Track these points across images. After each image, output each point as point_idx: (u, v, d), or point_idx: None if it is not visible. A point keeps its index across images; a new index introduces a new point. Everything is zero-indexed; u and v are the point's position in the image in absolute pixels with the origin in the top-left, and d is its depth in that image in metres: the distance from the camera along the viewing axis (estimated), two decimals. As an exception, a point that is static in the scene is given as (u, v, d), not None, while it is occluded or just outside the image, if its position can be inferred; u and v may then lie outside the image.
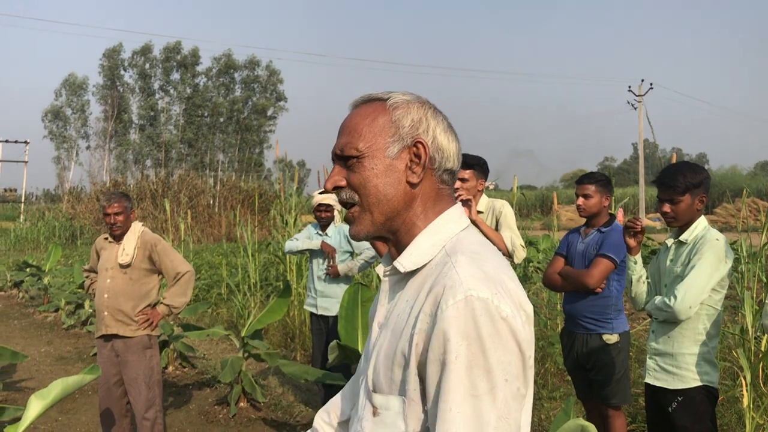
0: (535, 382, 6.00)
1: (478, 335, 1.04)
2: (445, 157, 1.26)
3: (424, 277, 1.18)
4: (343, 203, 1.30)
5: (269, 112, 56.03)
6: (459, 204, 1.30)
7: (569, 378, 5.49)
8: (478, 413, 1.03)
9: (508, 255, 3.99)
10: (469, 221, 1.29)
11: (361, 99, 1.31)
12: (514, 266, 5.59)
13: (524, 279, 7.24)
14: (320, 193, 5.46)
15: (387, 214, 1.25)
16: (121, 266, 4.36)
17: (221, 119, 55.32)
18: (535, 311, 6.88)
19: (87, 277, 4.87)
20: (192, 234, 14.83)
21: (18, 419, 4.86)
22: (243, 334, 5.73)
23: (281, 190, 9.42)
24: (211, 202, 28.75)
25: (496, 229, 4.10)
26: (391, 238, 1.29)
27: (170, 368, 7.11)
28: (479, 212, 4.16)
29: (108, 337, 4.42)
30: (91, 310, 9.35)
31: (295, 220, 9.20)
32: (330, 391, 5.22)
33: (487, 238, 3.92)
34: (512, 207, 4.57)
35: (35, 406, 3.26)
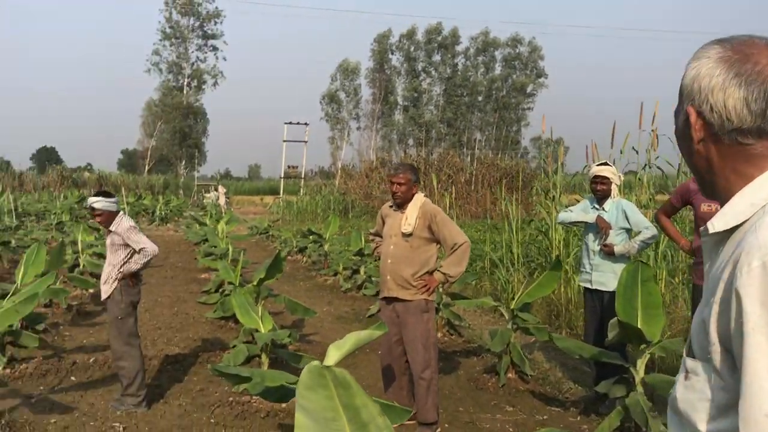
0: None
1: None
2: (732, 119, 1.14)
3: (737, 240, 1.10)
4: None
5: (528, 90, 55.47)
6: None
7: None
8: None
9: None
10: None
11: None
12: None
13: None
14: (598, 165, 5.28)
15: (699, 177, 1.23)
16: (404, 234, 4.62)
17: (479, 98, 56.00)
18: None
19: (372, 240, 5.25)
20: (455, 210, 15.29)
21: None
22: (512, 306, 5.78)
23: (549, 165, 9.28)
24: (470, 179, 29.28)
25: None
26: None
27: (439, 335, 7.42)
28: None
29: (390, 300, 4.73)
30: (365, 276, 10.10)
31: (559, 196, 9.04)
32: (603, 371, 5.06)
33: None
34: None
35: (333, 354, 3.60)
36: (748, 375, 0.99)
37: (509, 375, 5.82)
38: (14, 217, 20.54)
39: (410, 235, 4.59)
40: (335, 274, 11.58)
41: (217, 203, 33.70)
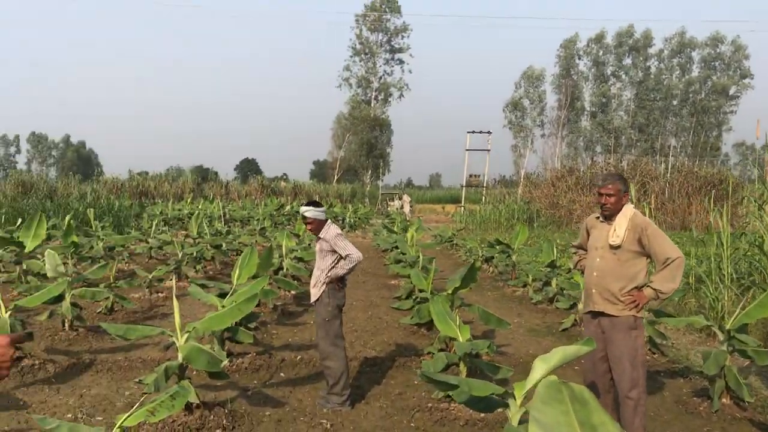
0: None
1: None
2: None
3: None
4: None
5: (731, 92, 51.25)
6: None
7: None
8: None
9: None
10: None
11: None
12: None
13: None
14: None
15: None
16: (611, 247, 4.45)
17: (674, 102, 52.70)
18: None
19: (575, 253, 5.10)
20: (653, 221, 14.45)
21: (506, 380, 5.39)
22: (728, 326, 5.35)
23: (766, 174, 8.49)
24: (665, 188, 27.53)
25: None
26: None
27: (639, 353, 7.05)
28: None
29: (595, 314, 4.57)
30: (557, 288, 9.84)
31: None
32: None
33: None
34: None
35: (540, 368, 3.55)
36: None
37: (723, 400, 5.39)
38: (223, 222, 22.49)
39: (618, 247, 4.41)
40: (524, 286, 11.40)
41: (401, 211, 34.60)
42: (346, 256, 5.37)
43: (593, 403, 1.85)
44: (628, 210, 4.48)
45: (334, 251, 5.43)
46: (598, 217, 4.65)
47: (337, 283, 5.44)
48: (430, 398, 5.55)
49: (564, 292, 9.48)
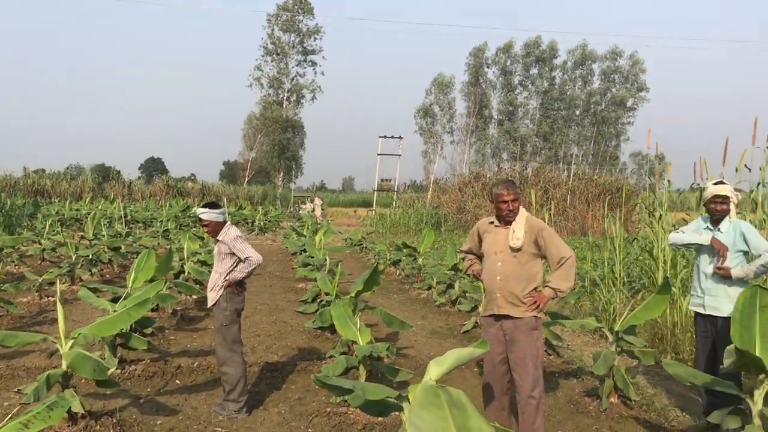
0: None
1: None
2: None
3: None
4: None
5: (629, 104, 53.83)
6: None
7: None
8: None
9: None
10: None
11: None
12: None
13: None
14: (715, 184, 5.01)
15: None
16: (512, 249, 4.52)
17: (577, 112, 54.85)
18: None
19: (464, 258, 5.15)
20: (552, 226, 14.94)
21: (406, 383, 5.39)
22: (617, 328, 5.56)
23: (656, 182, 8.91)
24: (566, 195, 28.58)
25: None
26: None
27: (536, 354, 7.23)
28: None
29: (498, 317, 4.62)
30: (460, 291, 10.00)
31: (666, 214, 8.66)
32: (714, 400, 4.80)
33: None
34: None
35: (434, 370, 3.56)
36: None
37: (612, 399, 5.59)
38: (124, 224, 21.65)
39: (519, 249, 4.49)
40: (429, 288, 11.53)
41: (313, 214, 34.40)
42: (245, 259, 5.25)
43: (470, 408, 1.85)
44: (523, 212, 4.58)
45: (232, 254, 5.30)
46: (492, 222, 4.70)
47: (236, 286, 5.30)
48: (329, 403, 5.49)
49: (466, 294, 9.64)
